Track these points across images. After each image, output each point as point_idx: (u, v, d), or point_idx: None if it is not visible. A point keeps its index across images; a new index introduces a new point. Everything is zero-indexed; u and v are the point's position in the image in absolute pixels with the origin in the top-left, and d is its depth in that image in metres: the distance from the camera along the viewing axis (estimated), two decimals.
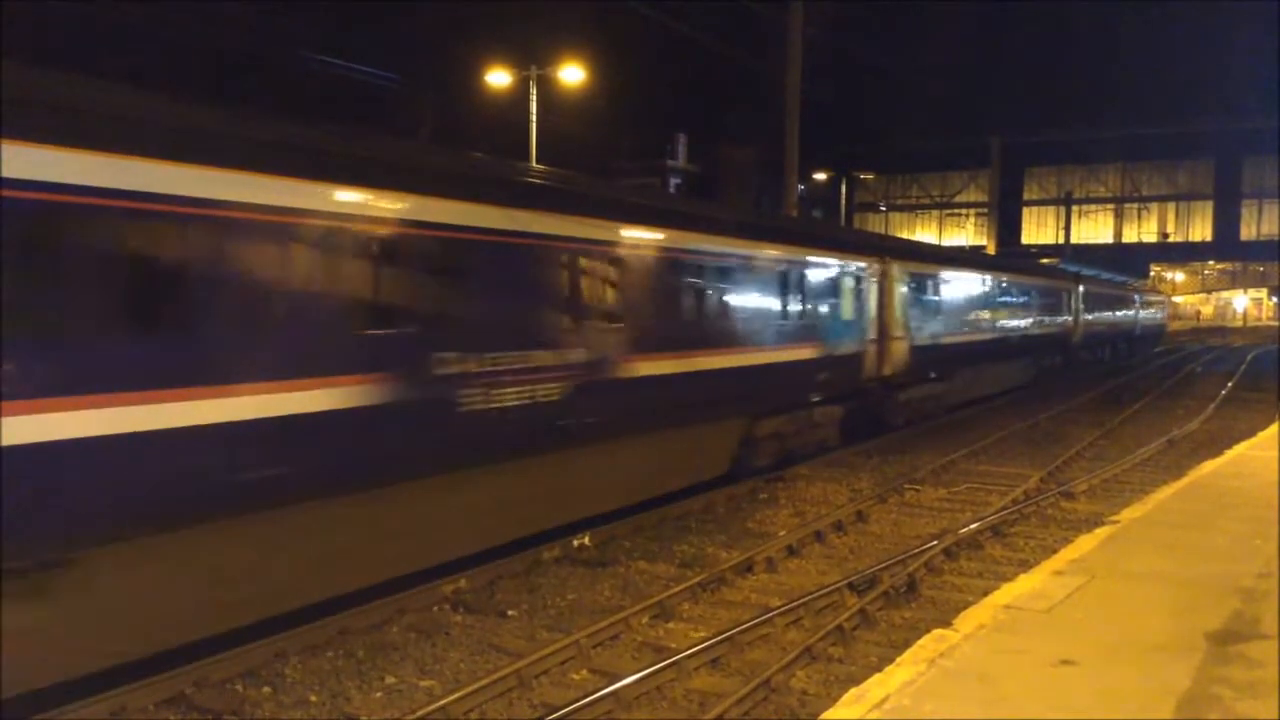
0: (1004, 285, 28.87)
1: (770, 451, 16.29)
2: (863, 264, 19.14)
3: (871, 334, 19.24)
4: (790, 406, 16.64)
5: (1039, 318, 32.94)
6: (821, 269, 17.49)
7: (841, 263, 18.32)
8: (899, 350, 20.42)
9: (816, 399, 17.51)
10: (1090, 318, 39.68)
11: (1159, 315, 62.67)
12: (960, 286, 25.07)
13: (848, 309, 18.35)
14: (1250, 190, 73.91)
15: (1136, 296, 52.70)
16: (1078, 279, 39.38)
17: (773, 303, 15.81)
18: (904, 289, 20.84)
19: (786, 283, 16.23)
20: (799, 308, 16.58)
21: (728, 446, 15.37)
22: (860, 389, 19.12)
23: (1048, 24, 63.06)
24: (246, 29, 30.16)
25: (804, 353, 16.53)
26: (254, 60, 31.58)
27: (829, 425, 18.34)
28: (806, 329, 16.71)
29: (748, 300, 15.16)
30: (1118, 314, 46.95)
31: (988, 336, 27.00)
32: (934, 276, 23.19)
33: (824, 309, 17.47)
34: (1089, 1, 60.05)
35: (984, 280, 27.21)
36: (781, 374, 15.85)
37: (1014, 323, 29.81)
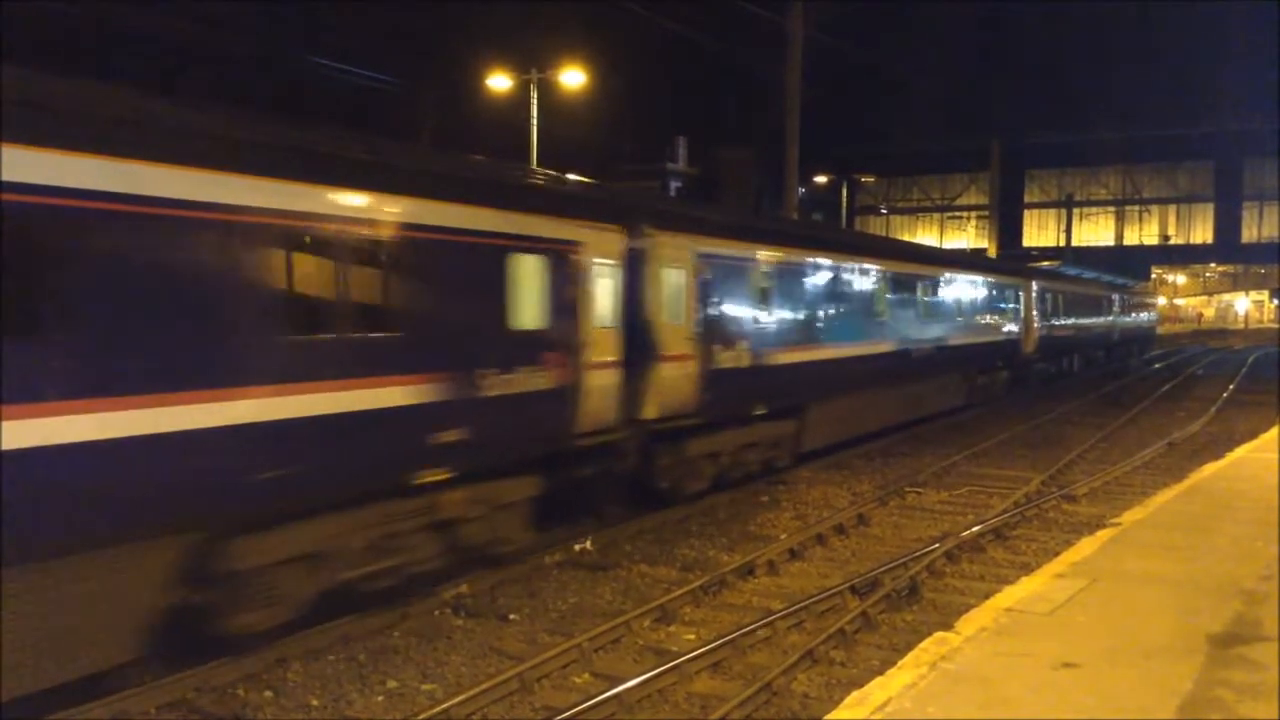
0: (905, 279, 21.59)
1: (295, 594, 8.66)
2: (574, 236, 11.46)
3: (605, 354, 11.82)
4: (351, 500, 8.96)
5: (970, 322, 25.63)
6: (433, 237, 9.56)
7: (505, 227, 10.46)
8: (678, 378, 13.29)
9: (446, 475, 9.77)
10: (1048, 322, 32.83)
11: (1146, 319, 55.01)
12: (821, 279, 17.69)
13: (529, 312, 10.74)
14: (1251, 192, 74.02)
15: (1116, 297, 45.45)
16: (1031, 274, 32.72)
17: (274, 297, 8.17)
18: (687, 280, 13.62)
19: (319, 257, 8.63)
20: (371, 307, 9.00)
21: (129, 607, 7.38)
22: (576, 449, 11.70)
23: (1047, 26, 63.21)
24: (250, 31, 30.28)
25: (384, 393, 8.92)
26: (257, 63, 31.69)
27: (494, 515, 10.63)
28: (392, 347, 9.12)
29: (186, 293, 7.51)
30: (1088, 318, 39.67)
31: (877, 349, 19.74)
32: (763, 263, 15.72)
33: (457, 310, 9.93)
34: (1088, 3, 60.20)
35: (865, 271, 19.59)
36: (310, 437, 8.32)
37: (925, 329, 22.39)
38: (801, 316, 16.95)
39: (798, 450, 17.24)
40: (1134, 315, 50.01)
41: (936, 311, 23.35)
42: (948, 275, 24.46)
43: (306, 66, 30.83)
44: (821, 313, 17.67)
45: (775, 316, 16.00)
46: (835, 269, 18.37)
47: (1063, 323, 35.11)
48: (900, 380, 21.16)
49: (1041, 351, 32.08)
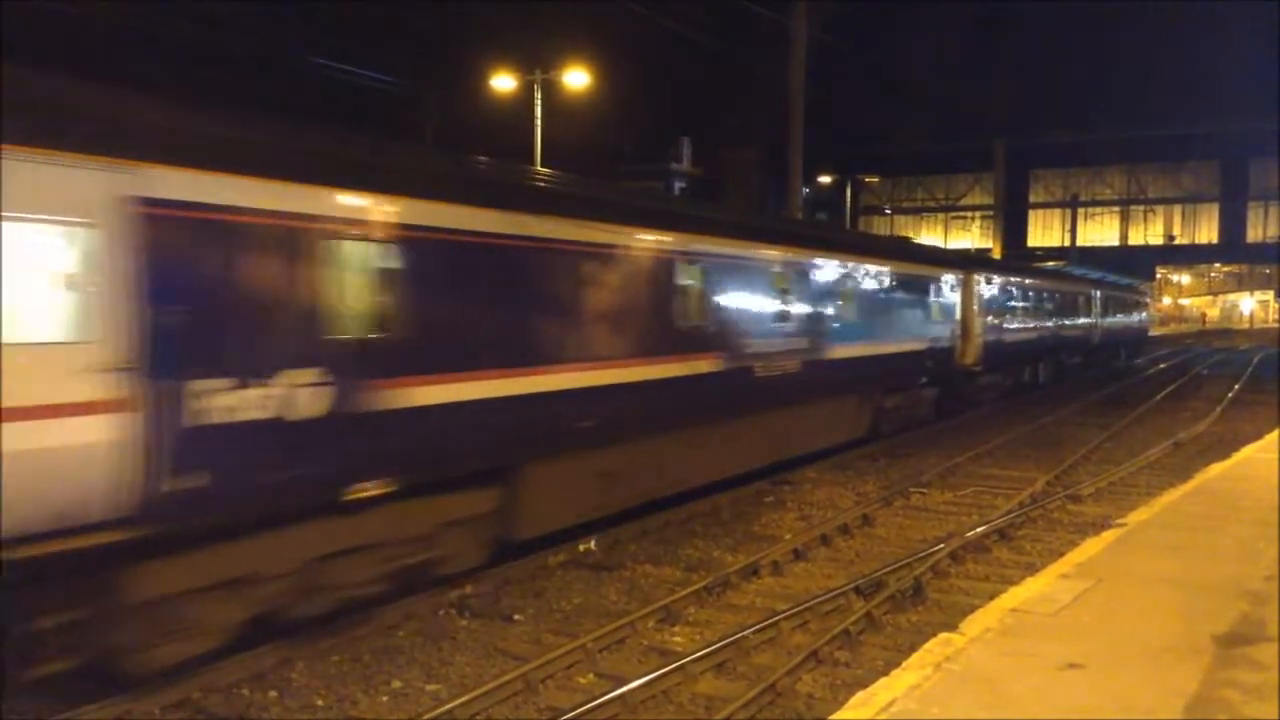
0: (743, 266, 14.89)
1: None
2: None
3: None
4: None
5: (872, 326, 19.11)
6: None
7: None
8: (60, 451, 6.42)
9: None
10: (999, 324, 26.59)
11: (1136, 319, 48.71)
12: (552, 262, 11.02)
13: None
14: (1256, 192, 73.95)
15: (1096, 293, 38.94)
16: (972, 266, 25.99)
17: None
18: (111, 252, 6.70)
19: None
20: None
21: None
22: None
23: (1051, 26, 63.17)
24: (257, 33, 30.35)
25: None
26: (263, 64, 31.77)
27: None
28: None
29: None
30: (1059, 319, 33.31)
31: (681, 367, 13.13)
32: (389, 227, 8.85)
33: None
34: (1092, 3, 60.11)
35: (663, 254, 12.99)
36: None
37: (786, 337, 15.90)
38: (498, 318, 10.27)
39: (508, 536, 10.93)
40: (1120, 315, 43.89)
41: (809, 313, 16.77)
42: (828, 263, 17.70)
43: (307, 66, 30.91)
44: (552, 313, 11.04)
45: (418, 321, 9.19)
46: (582, 248, 11.52)
47: (1021, 325, 28.79)
48: (737, 411, 14.76)
49: (988, 361, 25.32)
